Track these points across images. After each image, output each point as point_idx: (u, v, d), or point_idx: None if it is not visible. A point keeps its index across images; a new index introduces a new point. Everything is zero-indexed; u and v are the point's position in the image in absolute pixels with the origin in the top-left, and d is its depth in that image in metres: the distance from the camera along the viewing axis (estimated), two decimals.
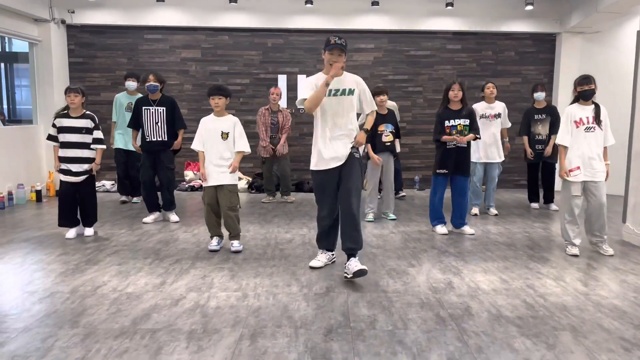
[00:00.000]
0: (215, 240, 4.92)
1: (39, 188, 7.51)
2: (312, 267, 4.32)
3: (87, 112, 5.30)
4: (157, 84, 5.87)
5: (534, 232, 5.75)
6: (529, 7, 8.26)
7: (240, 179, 8.63)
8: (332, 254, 4.47)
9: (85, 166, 5.26)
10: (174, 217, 6.18)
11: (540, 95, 6.89)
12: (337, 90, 4.08)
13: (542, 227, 5.99)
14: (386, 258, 4.66)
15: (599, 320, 3.27)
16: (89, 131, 5.25)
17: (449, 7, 8.34)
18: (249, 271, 4.25)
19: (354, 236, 4.01)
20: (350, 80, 4.16)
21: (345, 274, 3.99)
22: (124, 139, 7.22)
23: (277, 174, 7.69)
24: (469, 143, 5.45)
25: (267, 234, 5.56)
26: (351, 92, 4.11)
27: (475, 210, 6.66)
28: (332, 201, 4.18)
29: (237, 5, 8.29)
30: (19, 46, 9.39)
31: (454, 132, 5.35)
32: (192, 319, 3.25)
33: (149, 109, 5.92)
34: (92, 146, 5.28)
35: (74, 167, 5.22)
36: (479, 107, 6.53)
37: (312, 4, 8.16)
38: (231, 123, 4.84)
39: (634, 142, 5.38)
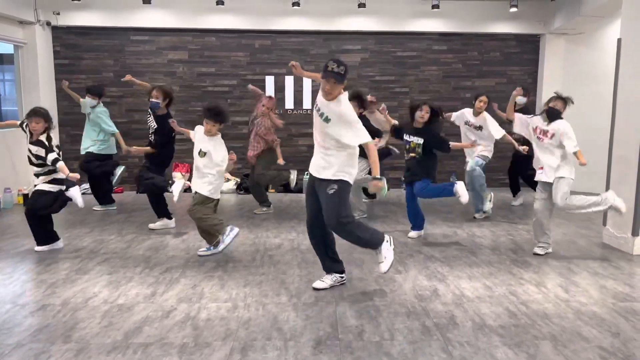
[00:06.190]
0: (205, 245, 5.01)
1: (26, 192, 7.48)
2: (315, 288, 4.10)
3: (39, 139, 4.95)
4: (158, 101, 5.73)
5: (518, 235, 5.87)
6: (514, 9, 8.35)
7: (228, 180, 8.67)
8: (342, 277, 4.21)
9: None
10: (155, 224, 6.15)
11: (523, 99, 6.96)
12: (319, 110, 3.88)
13: (526, 230, 6.11)
14: (373, 264, 4.71)
15: (578, 329, 3.39)
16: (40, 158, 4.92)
17: (435, 9, 8.40)
18: (239, 280, 4.31)
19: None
20: (334, 109, 3.79)
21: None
22: (92, 143, 6.94)
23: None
24: (424, 154, 5.49)
25: (256, 239, 5.62)
26: (327, 119, 3.81)
27: (478, 214, 6.70)
28: (311, 208, 4.08)
29: (224, 7, 8.26)
30: (4, 47, 9.30)
31: (406, 148, 5.52)
32: (183, 332, 3.31)
33: (149, 117, 5.91)
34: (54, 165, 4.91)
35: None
36: (467, 112, 6.63)
37: (299, 5, 8.18)
38: (213, 144, 4.88)
39: (614, 147, 5.51)
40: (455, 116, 6.81)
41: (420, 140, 5.47)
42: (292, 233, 5.91)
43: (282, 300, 3.86)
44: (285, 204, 7.71)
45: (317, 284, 4.13)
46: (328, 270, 4.19)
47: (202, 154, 4.86)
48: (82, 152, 7.02)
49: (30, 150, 4.94)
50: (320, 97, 3.87)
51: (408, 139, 5.54)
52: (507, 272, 4.57)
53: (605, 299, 3.92)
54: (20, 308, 3.69)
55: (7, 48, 8.61)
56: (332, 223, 3.90)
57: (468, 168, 6.54)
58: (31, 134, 4.97)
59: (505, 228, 6.20)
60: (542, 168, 5.01)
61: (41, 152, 4.89)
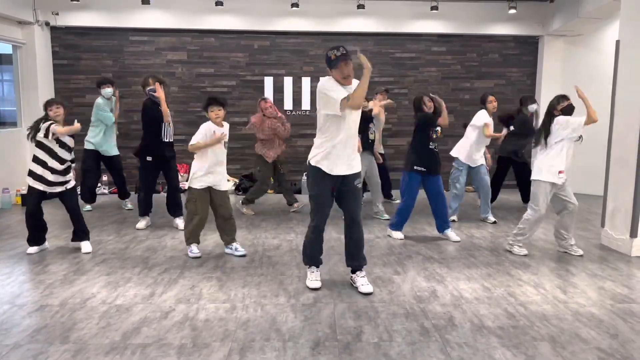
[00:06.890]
0: (195, 247, 5.01)
1: (24, 192, 7.47)
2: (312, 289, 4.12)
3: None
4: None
5: None
6: (512, 11, 8.37)
7: (227, 180, 8.65)
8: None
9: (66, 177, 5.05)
10: (182, 223, 6.05)
11: (533, 107, 6.92)
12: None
13: None
14: (372, 265, 4.74)
15: (576, 330, 3.39)
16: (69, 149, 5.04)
17: (434, 10, 8.42)
18: (237, 280, 4.31)
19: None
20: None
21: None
22: (103, 142, 6.97)
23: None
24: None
25: (255, 240, 5.62)
26: None
27: (453, 216, 6.60)
28: (328, 211, 4.10)
29: (223, 8, 8.27)
30: (3, 48, 9.29)
31: (433, 137, 5.51)
32: (181, 333, 3.30)
33: (163, 125, 5.85)
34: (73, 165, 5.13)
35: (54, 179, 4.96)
36: (485, 116, 6.37)
37: (298, 6, 8.19)
38: (227, 130, 5.01)
39: (613, 148, 5.51)
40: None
41: (439, 129, 5.58)
42: (290, 234, 5.91)
43: (280, 301, 3.85)
44: (283, 204, 7.70)
45: (313, 283, 4.14)
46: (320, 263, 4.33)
47: (226, 143, 4.93)
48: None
49: (62, 143, 4.92)
50: (342, 88, 3.84)
51: (435, 129, 5.53)
52: (506, 273, 4.57)
53: (603, 301, 3.92)
54: (18, 309, 3.69)
55: (5, 48, 8.60)
56: (360, 216, 4.08)
57: (486, 177, 6.50)
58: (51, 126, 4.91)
59: (503, 229, 6.20)
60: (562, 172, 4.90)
61: (72, 143, 5.07)
